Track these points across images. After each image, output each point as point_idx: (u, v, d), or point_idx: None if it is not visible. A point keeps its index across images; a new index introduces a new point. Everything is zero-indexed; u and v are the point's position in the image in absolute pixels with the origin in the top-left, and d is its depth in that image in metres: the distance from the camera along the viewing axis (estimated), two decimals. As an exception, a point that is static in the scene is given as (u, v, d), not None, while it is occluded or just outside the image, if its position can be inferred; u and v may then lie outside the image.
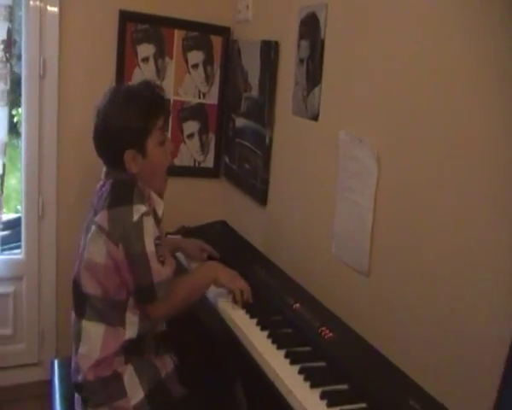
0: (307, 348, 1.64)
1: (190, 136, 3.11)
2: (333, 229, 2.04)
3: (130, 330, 1.76)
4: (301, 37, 2.29)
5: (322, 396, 1.43)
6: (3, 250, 2.97)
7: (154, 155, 1.80)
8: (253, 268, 2.17)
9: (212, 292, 1.96)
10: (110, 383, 1.74)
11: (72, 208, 2.84)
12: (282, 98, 2.48)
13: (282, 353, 1.60)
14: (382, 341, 1.67)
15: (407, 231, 1.68)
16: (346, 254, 1.96)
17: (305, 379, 1.49)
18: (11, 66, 2.55)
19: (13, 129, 3.06)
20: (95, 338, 1.75)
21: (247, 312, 1.84)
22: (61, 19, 2.69)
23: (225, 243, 2.51)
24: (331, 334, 1.66)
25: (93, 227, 1.72)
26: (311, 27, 2.22)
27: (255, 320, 1.78)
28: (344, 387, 1.50)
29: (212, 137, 3.15)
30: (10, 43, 2.52)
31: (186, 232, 2.76)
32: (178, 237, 2.60)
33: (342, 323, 1.79)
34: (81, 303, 1.79)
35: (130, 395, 1.74)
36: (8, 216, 3.55)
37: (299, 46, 2.30)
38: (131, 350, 1.77)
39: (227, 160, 3.09)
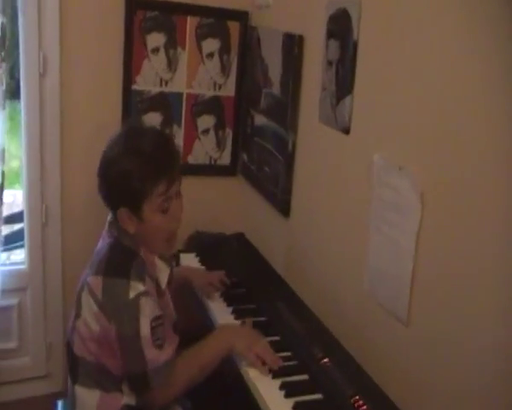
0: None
1: (205, 131, 2.85)
2: (366, 261, 1.79)
3: (129, 397, 1.56)
4: (330, 35, 2.01)
5: None
6: (5, 250, 2.80)
7: (151, 221, 1.56)
8: (274, 303, 1.94)
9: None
10: None
11: (78, 214, 2.64)
12: (308, 101, 2.21)
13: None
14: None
15: (456, 285, 1.43)
16: (381, 294, 1.72)
17: None
18: (7, 65, 2.30)
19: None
20: (90, 407, 1.55)
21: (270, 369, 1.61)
22: (61, 8, 2.42)
23: (243, 267, 2.27)
24: (365, 407, 1.43)
25: (86, 288, 1.52)
26: (341, 25, 1.94)
27: (278, 383, 1.55)
28: None
29: (228, 132, 2.89)
30: (4, 40, 2.26)
31: (201, 244, 2.54)
32: (188, 265, 2.34)
33: (378, 390, 1.55)
34: (74, 366, 1.59)
35: None
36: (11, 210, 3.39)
37: (327, 46, 2.02)
38: None
39: (245, 158, 2.84)
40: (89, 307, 1.51)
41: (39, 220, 2.60)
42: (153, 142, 1.55)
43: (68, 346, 1.61)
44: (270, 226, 2.55)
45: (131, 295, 1.45)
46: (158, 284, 1.61)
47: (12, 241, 2.92)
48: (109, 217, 1.64)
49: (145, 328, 1.47)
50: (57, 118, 2.50)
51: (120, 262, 1.52)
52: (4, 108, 2.32)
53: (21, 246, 2.79)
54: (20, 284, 2.66)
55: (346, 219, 1.95)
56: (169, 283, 1.71)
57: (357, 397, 1.48)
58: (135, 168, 1.50)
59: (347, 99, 1.90)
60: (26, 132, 2.50)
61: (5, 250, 2.84)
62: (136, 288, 1.47)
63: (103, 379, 1.55)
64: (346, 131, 1.92)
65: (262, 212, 2.63)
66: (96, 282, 1.49)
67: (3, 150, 2.38)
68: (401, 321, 1.62)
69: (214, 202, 2.92)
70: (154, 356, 1.49)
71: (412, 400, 1.51)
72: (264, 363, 1.62)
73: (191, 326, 1.78)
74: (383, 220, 1.70)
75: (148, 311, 1.48)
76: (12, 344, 2.71)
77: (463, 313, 1.40)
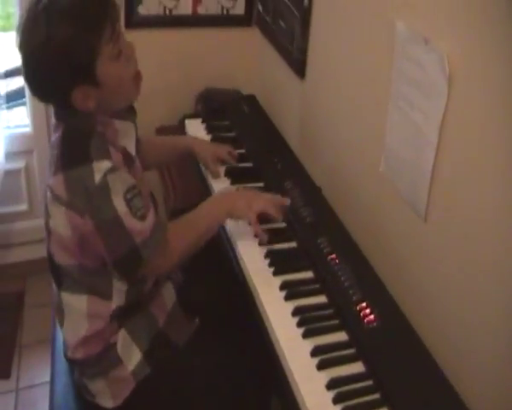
0: (342, 335, 1.33)
1: (215, -23, 2.55)
2: (383, 140, 1.62)
3: (118, 297, 1.48)
4: None
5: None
6: (8, 108, 2.71)
7: (110, 76, 1.35)
8: (283, 183, 1.79)
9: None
10: (102, 357, 1.50)
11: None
12: None
13: (307, 343, 1.30)
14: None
15: (478, 183, 1.26)
16: (397, 180, 1.56)
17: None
18: None
19: None
20: (78, 312, 1.47)
21: (270, 265, 1.50)
22: None
23: (252, 136, 2.10)
24: (372, 316, 1.32)
25: (49, 193, 1.37)
26: None
27: (279, 282, 1.44)
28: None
29: (241, -23, 2.58)
30: None
31: (208, 107, 2.36)
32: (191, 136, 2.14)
33: (388, 297, 1.43)
34: (57, 275, 1.49)
35: (125, 361, 1.49)
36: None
37: None
38: (125, 314, 1.51)
39: (260, 8, 2.56)
40: (57, 213, 1.36)
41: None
42: None
43: (49, 255, 1.48)
44: (285, 88, 2.34)
45: (97, 178, 1.29)
46: (126, 152, 1.44)
47: (13, 99, 2.78)
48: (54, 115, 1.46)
49: (121, 205, 1.32)
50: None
51: (76, 148, 1.34)
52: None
53: (23, 104, 2.65)
54: (25, 146, 2.59)
55: (364, 89, 1.74)
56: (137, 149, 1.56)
57: (365, 304, 1.36)
58: (72, 31, 1.26)
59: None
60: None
61: (8, 108, 2.72)
62: (101, 167, 1.30)
63: (89, 282, 1.46)
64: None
65: (277, 70, 2.41)
66: (58, 182, 1.33)
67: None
68: (419, 214, 1.47)
69: (227, 57, 2.69)
70: (139, 228, 1.35)
71: (420, 306, 1.42)
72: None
73: (188, 205, 1.65)
74: (404, 97, 1.50)
75: (118, 186, 1.32)
76: (23, 207, 2.70)
77: (483, 212, 1.25)
